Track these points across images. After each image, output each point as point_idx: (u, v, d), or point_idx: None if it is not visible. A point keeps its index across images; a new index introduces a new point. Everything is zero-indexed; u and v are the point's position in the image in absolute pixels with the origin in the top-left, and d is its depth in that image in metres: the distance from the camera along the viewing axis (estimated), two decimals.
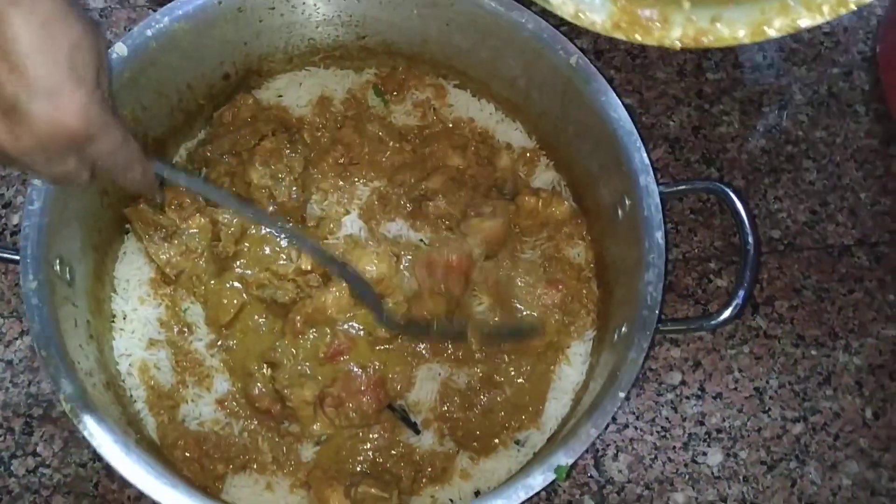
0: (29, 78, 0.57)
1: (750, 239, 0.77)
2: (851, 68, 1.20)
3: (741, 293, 0.76)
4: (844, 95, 1.19)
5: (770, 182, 1.14)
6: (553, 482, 0.72)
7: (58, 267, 0.78)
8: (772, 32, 0.66)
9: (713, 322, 0.78)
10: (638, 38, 0.68)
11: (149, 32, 0.84)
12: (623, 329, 0.80)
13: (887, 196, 1.14)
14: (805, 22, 0.66)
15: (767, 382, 1.05)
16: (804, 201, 1.13)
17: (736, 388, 1.05)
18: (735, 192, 0.79)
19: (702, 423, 1.03)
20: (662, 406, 1.04)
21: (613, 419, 1.02)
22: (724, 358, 1.06)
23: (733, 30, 0.67)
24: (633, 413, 1.03)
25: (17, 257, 0.75)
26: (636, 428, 1.03)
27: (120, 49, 0.82)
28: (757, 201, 1.13)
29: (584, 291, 0.95)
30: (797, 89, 1.19)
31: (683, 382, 1.05)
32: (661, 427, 1.03)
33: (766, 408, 1.04)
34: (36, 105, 0.57)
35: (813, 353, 1.07)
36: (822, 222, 1.13)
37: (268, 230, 0.88)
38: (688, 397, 1.04)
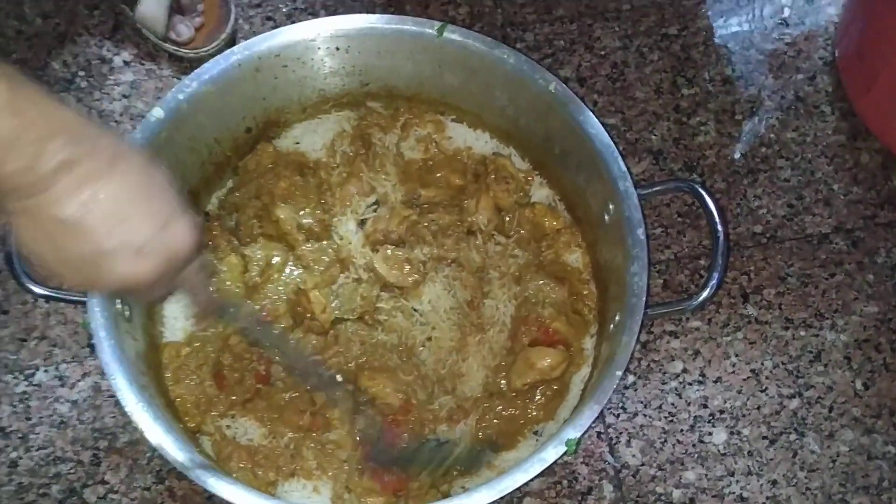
0: (154, 214, 0.67)
1: (719, 227, 0.87)
2: (815, 73, 1.31)
3: (716, 274, 0.86)
4: (810, 98, 1.29)
5: (749, 182, 1.24)
6: (564, 454, 0.81)
7: (119, 306, 0.90)
8: None
9: (694, 303, 0.87)
10: None
11: (181, 96, 0.96)
12: (617, 318, 0.90)
13: (858, 185, 1.24)
14: None
15: (762, 364, 1.15)
16: (782, 197, 1.23)
17: (734, 372, 1.14)
18: (703, 186, 0.89)
19: (705, 406, 1.12)
20: (668, 393, 1.13)
21: (623, 409, 1.12)
22: (720, 345, 1.15)
23: None
24: (642, 402, 1.12)
25: (85, 299, 0.87)
26: (645, 415, 1.12)
27: (157, 112, 0.94)
28: (738, 200, 1.23)
29: (585, 292, 1.05)
30: (766, 96, 1.29)
31: (685, 370, 1.14)
32: (668, 413, 1.12)
33: (763, 387, 1.13)
34: (162, 235, 0.68)
35: (802, 333, 1.16)
36: (799, 214, 1.23)
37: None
38: (690, 383, 1.13)
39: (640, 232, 0.89)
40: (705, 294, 0.86)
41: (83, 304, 0.88)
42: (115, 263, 0.67)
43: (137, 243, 0.67)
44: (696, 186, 0.89)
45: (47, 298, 0.88)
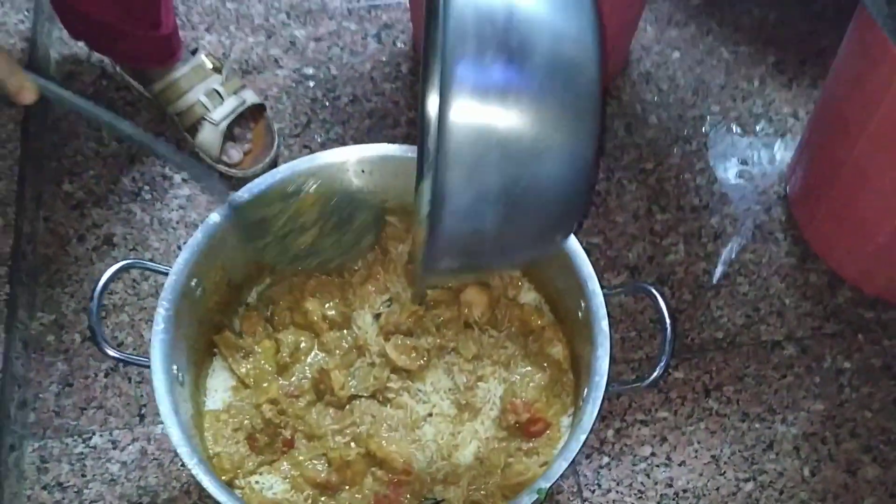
0: None
1: (667, 321, 1.06)
2: (770, 205, 1.52)
3: (664, 358, 1.04)
4: (766, 226, 1.50)
5: (712, 295, 1.43)
6: (537, 500, 0.98)
7: (176, 372, 1.09)
8: None
9: (646, 382, 1.05)
10: None
11: (236, 204, 1.18)
12: (584, 393, 1.08)
13: (807, 301, 1.43)
14: None
15: (721, 451, 1.31)
16: (740, 308, 1.42)
17: (696, 457, 1.30)
18: (655, 288, 1.09)
19: (670, 486, 1.28)
20: (638, 473, 1.29)
21: (598, 485, 1.28)
22: (685, 433, 1.32)
23: None
24: (615, 480, 1.28)
25: (148, 364, 1.06)
26: (618, 492, 1.28)
27: (214, 217, 1.16)
28: (703, 311, 1.42)
29: (564, 380, 1.23)
30: (728, 223, 1.50)
31: (653, 454, 1.30)
32: (638, 490, 1.28)
33: (722, 471, 1.29)
34: None
35: (756, 425, 1.33)
36: (756, 324, 1.41)
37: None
38: (658, 465, 1.29)
39: (604, 324, 1.08)
40: (655, 374, 1.04)
41: (146, 367, 1.07)
42: None
43: None
44: (650, 288, 1.09)
45: (119, 361, 1.08)
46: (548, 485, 0.99)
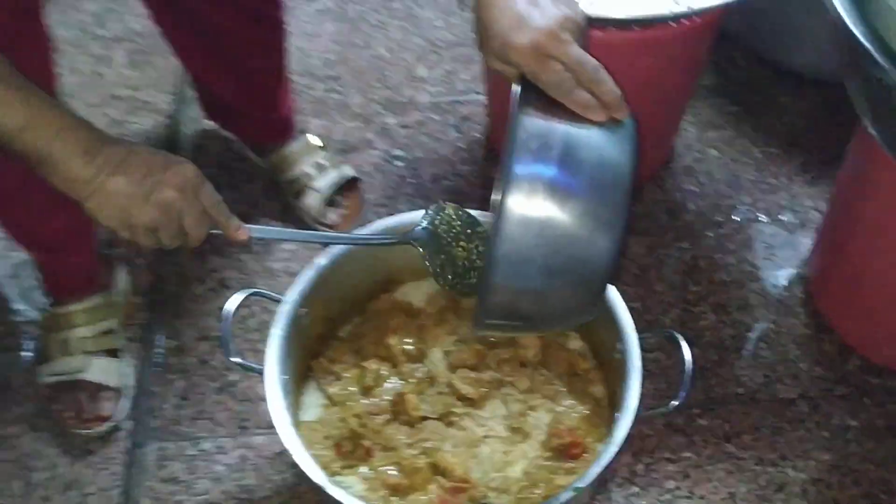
0: (146, 168, 0.97)
1: (687, 359, 1.28)
2: (790, 283, 1.73)
3: (683, 389, 1.27)
4: (786, 300, 1.72)
5: (735, 357, 1.65)
6: (573, 496, 1.20)
7: (285, 376, 1.34)
8: None
9: (669, 408, 1.27)
10: None
11: (339, 251, 1.45)
12: (616, 416, 1.30)
13: (820, 366, 1.63)
14: None
15: (737, 489, 1.49)
16: (760, 368, 1.63)
17: (715, 492, 1.49)
18: (680, 336, 1.32)
19: None
20: (663, 503, 1.49)
21: None
22: (706, 472, 1.51)
23: None
24: None
25: (262, 369, 1.31)
26: None
27: (321, 260, 1.42)
28: (727, 369, 1.63)
29: (602, 414, 1.45)
30: (753, 297, 1.72)
31: (677, 487, 1.50)
32: None
33: None
34: (156, 180, 0.97)
35: (769, 469, 1.52)
36: (773, 383, 1.61)
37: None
38: (680, 497, 1.49)
39: (637, 361, 1.30)
40: (675, 403, 1.27)
41: (260, 373, 1.32)
42: (140, 208, 0.97)
43: (142, 192, 0.96)
44: (675, 334, 1.32)
45: (241, 367, 1.33)
46: (583, 485, 1.21)
